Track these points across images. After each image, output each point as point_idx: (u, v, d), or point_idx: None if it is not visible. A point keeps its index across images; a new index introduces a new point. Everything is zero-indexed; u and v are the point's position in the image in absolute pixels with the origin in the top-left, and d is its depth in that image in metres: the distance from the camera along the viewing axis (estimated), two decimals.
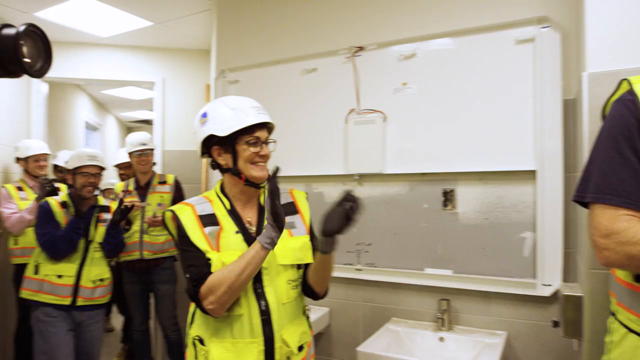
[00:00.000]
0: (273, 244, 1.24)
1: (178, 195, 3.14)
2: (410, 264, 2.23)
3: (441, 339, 2.03)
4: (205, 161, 3.65)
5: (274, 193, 1.21)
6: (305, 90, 2.49)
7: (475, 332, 2.04)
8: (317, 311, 2.37)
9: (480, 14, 2.10)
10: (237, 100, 1.41)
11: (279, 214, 1.22)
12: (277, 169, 1.23)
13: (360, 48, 2.34)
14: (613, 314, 1.15)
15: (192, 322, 1.40)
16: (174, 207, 1.38)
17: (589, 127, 1.44)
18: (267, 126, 1.41)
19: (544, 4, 1.98)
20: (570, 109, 1.91)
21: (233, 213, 1.39)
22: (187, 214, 1.35)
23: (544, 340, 1.96)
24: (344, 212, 1.25)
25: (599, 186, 1.03)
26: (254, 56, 2.67)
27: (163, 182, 3.18)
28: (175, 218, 1.34)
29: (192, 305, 1.40)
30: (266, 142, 1.39)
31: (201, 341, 1.34)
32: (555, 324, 1.70)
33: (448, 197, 2.16)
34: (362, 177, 2.35)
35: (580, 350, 1.60)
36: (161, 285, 3.11)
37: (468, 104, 2.10)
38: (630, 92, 1.05)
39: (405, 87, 2.25)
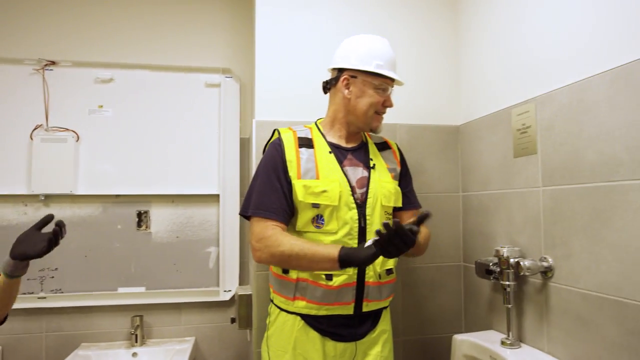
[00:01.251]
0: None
1: None
2: (102, 285, 2.22)
3: (134, 354, 2.11)
4: None
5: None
6: None
7: (167, 342, 2.22)
8: None
9: (177, 55, 2.36)
10: None
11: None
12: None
13: (53, 62, 2.22)
14: (272, 300, 1.56)
15: None
16: None
17: (256, 161, 1.85)
18: None
19: (229, 58, 2.42)
20: (245, 146, 2.38)
21: None
22: None
23: (225, 337, 2.32)
24: (48, 236, 1.24)
25: (256, 204, 1.42)
26: None
27: None
28: None
29: None
30: None
31: None
32: (233, 321, 2.07)
33: (142, 218, 2.29)
34: (49, 198, 2.20)
35: (251, 339, 1.99)
36: None
37: (164, 133, 2.31)
38: (279, 138, 1.49)
39: (102, 109, 2.27)
